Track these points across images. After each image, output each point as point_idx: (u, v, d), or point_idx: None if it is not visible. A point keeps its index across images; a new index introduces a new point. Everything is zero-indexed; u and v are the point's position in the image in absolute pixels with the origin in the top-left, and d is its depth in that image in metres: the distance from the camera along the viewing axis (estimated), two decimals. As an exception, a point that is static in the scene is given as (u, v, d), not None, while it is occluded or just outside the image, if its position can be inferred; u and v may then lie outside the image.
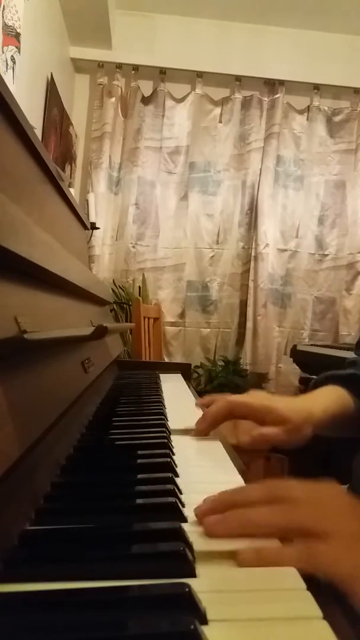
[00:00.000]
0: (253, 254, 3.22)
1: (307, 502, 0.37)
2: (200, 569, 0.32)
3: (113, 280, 3.11)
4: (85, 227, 1.27)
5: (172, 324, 3.23)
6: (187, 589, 0.28)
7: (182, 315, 3.24)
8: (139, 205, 3.19)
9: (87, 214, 2.81)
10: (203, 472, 0.53)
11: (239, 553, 0.33)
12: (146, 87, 3.24)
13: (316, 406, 0.70)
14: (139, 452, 0.54)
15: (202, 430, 0.67)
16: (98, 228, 2.99)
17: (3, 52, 1.92)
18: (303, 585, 0.31)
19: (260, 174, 3.22)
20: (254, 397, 0.70)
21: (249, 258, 3.25)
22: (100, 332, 0.55)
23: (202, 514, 0.38)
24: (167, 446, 0.58)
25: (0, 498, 0.34)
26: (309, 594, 0.29)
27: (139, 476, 0.48)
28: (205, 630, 0.26)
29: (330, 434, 0.74)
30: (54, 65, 2.71)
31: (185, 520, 0.39)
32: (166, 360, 3.07)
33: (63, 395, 0.55)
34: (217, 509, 0.38)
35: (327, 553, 0.33)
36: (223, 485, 0.47)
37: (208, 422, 0.67)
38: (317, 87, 3.24)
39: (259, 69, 3.20)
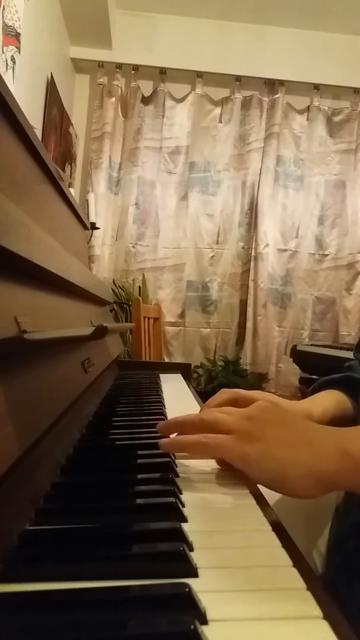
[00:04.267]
0: (253, 254, 3.22)
1: (235, 413, 0.49)
2: (200, 569, 0.32)
3: (113, 280, 3.11)
4: (85, 227, 1.27)
5: (172, 324, 3.23)
6: (187, 589, 0.28)
7: (182, 315, 3.24)
8: (139, 205, 3.19)
9: (87, 214, 2.81)
10: (203, 471, 0.53)
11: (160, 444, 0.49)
12: (146, 87, 3.24)
13: (315, 408, 0.71)
14: (139, 452, 0.54)
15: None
16: (98, 228, 2.99)
17: (3, 52, 1.92)
18: (303, 585, 0.31)
19: (260, 174, 3.23)
20: (259, 393, 0.71)
21: (249, 258, 3.25)
22: (100, 332, 0.54)
23: (160, 428, 0.54)
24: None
25: (0, 498, 0.34)
26: (309, 594, 0.29)
27: (139, 476, 0.48)
28: (205, 630, 0.26)
29: None
30: (54, 65, 2.71)
31: (185, 520, 0.39)
32: (166, 360, 3.07)
33: (63, 395, 0.55)
34: (171, 425, 0.54)
35: (226, 440, 0.46)
36: (223, 483, 0.47)
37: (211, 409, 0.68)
38: (317, 87, 3.25)
39: (259, 69, 3.21)
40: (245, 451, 0.44)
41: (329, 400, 0.75)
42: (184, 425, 0.52)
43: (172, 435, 0.54)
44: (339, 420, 0.73)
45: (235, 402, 0.68)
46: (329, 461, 0.43)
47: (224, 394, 0.69)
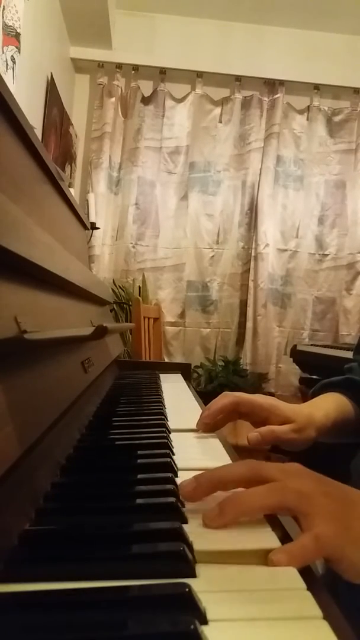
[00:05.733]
0: (253, 254, 3.22)
1: (289, 479, 0.40)
2: (200, 569, 0.32)
3: (113, 280, 3.11)
4: (85, 227, 1.27)
5: (172, 324, 3.23)
6: (187, 589, 0.28)
7: (182, 315, 3.24)
8: (139, 205, 3.19)
9: (87, 214, 2.81)
10: (203, 470, 0.53)
11: (273, 558, 0.34)
12: (146, 87, 3.24)
13: (317, 411, 0.71)
14: (139, 452, 0.54)
15: (206, 417, 0.68)
16: (98, 228, 2.99)
17: (3, 52, 1.92)
18: (303, 585, 0.30)
19: (260, 174, 3.23)
20: (260, 397, 0.71)
21: (249, 258, 3.25)
22: (100, 332, 0.54)
23: (189, 493, 0.41)
24: (167, 446, 0.58)
25: (0, 498, 0.34)
26: (309, 594, 0.29)
27: (139, 476, 0.48)
28: (205, 630, 0.26)
29: (331, 439, 0.74)
30: (54, 65, 2.71)
31: (185, 520, 0.39)
32: (166, 360, 3.07)
33: (63, 395, 0.55)
34: (203, 486, 0.41)
35: (327, 536, 0.36)
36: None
37: (213, 413, 0.67)
38: (317, 87, 3.25)
39: (259, 69, 3.21)
40: (347, 543, 0.36)
41: (330, 403, 0.75)
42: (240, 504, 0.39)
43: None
44: (340, 424, 0.73)
45: (237, 406, 0.68)
46: None
47: (226, 397, 0.68)
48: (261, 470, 0.41)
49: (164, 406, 0.86)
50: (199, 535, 0.36)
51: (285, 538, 0.37)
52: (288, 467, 0.42)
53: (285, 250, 3.28)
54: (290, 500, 0.38)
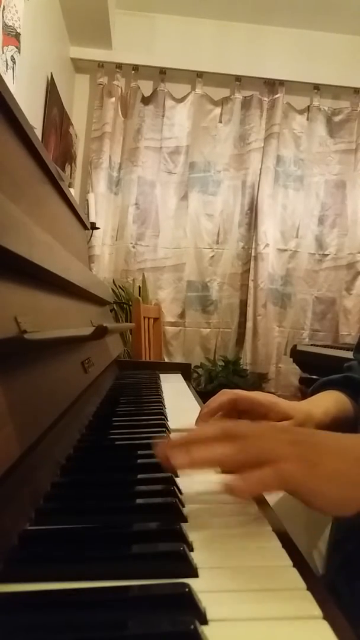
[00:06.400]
0: (253, 254, 3.22)
1: (256, 437, 0.43)
2: (200, 569, 0.32)
3: (113, 280, 3.11)
4: (85, 227, 1.27)
5: (172, 324, 3.23)
6: (187, 589, 0.28)
7: (182, 315, 3.24)
8: (139, 205, 3.19)
9: (87, 214, 2.81)
10: (203, 471, 0.53)
11: (229, 485, 0.38)
12: (146, 87, 3.24)
13: (317, 408, 0.71)
14: (139, 452, 0.54)
15: (205, 414, 0.68)
16: (98, 228, 2.99)
17: (3, 52, 1.92)
18: (303, 585, 0.31)
19: (260, 174, 3.23)
20: (259, 394, 0.71)
21: (249, 258, 3.25)
22: (100, 332, 0.54)
23: (163, 448, 0.42)
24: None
25: (0, 498, 0.34)
26: (309, 594, 0.29)
27: (139, 476, 0.48)
28: (205, 630, 0.26)
29: None
30: (54, 65, 2.71)
31: (185, 520, 0.39)
32: (166, 360, 3.07)
33: (63, 395, 0.55)
34: (176, 445, 0.42)
35: (290, 470, 0.39)
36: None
37: (211, 411, 0.68)
38: (317, 87, 3.25)
39: (259, 69, 3.21)
40: (309, 479, 0.39)
41: (329, 401, 0.75)
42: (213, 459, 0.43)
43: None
44: (339, 421, 0.73)
45: (236, 403, 0.68)
46: None
47: (224, 395, 0.68)
48: (231, 429, 0.43)
49: (164, 406, 0.86)
50: (199, 535, 0.36)
51: (285, 539, 0.37)
52: (255, 424, 0.46)
53: (285, 250, 3.28)
54: (254, 451, 0.41)
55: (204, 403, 0.73)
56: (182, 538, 0.35)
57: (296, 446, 0.42)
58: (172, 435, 0.47)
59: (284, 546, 0.35)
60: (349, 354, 0.93)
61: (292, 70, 3.20)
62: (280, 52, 3.23)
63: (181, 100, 3.24)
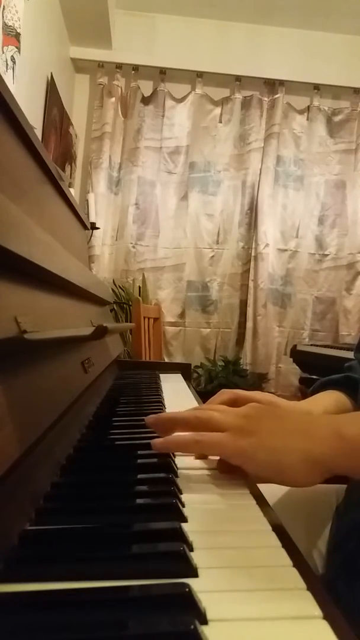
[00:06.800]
0: (253, 254, 3.22)
1: (220, 410, 0.51)
2: (200, 569, 0.32)
3: (113, 280, 3.11)
4: (85, 227, 1.27)
5: (172, 324, 3.23)
6: (187, 589, 0.28)
7: (182, 315, 3.24)
8: (139, 205, 3.19)
9: (87, 214, 2.81)
10: (203, 472, 0.53)
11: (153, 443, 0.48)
12: (146, 87, 3.24)
13: (316, 408, 0.71)
14: (139, 452, 0.54)
15: None
16: (98, 228, 2.99)
17: (3, 52, 1.92)
18: (303, 585, 0.30)
19: (260, 174, 3.23)
20: (258, 393, 0.71)
21: (249, 258, 3.25)
22: (100, 332, 0.55)
23: (152, 421, 0.52)
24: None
25: (0, 498, 0.34)
26: (309, 594, 0.29)
27: (139, 476, 0.48)
28: (205, 630, 0.26)
29: None
30: (54, 65, 2.71)
31: (185, 520, 0.39)
32: (166, 360, 3.07)
33: (63, 395, 0.55)
34: (159, 421, 0.53)
35: (226, 440, 0.46)
36: (223, 484, 0.47)
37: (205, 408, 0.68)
38: (317, 87, 3.25)
39: (259, 69, 3.21)
40: (240, 446, 0.45)
41: (329, 400, 0.75)
42: (177, 422, 0.52)
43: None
44: None
45: (235, 403, 0.68)
46: (323, 445, 0.44)
47: (224, 394, 0.69)
48: (211, 420, 0.49)
49: (164, 406, 0.86)
50: (199, 535, 0.36)
51: (285, 539, 0.37)
52: (227, 409, 0.52)
53: (285, 250, 3.28)
54: (205, 418, 0.49)
55: (204, 403, 0.73)
56: (182, 538, 0.34)
57: (242, 419, 0.47)
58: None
59: (284, 546, 0.35)
60: (349, 354, 0.93)
61: (292, 70, 3.20)
62: (280, 52, 3.23)
63: (181, 100, 3.25)
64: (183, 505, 0.41)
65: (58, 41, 2.85)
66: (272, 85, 3.26)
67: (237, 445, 0.45)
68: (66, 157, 3.03)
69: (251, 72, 3.22)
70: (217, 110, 3.27)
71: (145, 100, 3.22)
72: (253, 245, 3.23)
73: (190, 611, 0.27)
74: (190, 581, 0.29)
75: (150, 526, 0.37)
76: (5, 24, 1.91)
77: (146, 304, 2.73)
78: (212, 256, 3.25)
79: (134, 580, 0.30)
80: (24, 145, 0.67)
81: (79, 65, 3.25)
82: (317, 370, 2.25)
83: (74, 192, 3.00)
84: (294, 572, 0.32)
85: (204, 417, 0.49)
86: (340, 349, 2.28)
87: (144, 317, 2.40)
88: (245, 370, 3.17)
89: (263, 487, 0.46)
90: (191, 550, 0.34)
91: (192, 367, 1.59)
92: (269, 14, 3.12)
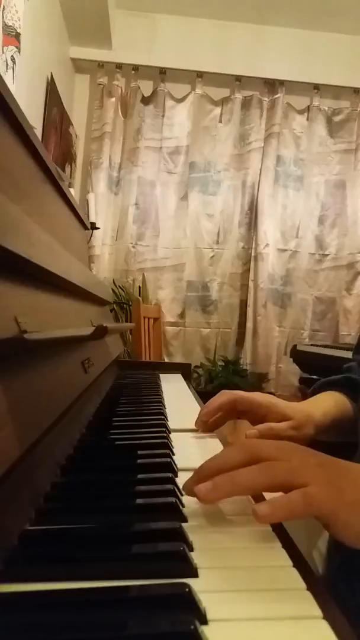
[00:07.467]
0: (253, 254, 3.22)
1: (283, 459, 0.41)
2: (200, 569, 0.32)
3: (113, 280, 3.11)
4: (85, 227, 1.27)
5: (172, 324, 3.23)
6: (187, 589, 0.28)
7: (182, 315, 3.24)
8: (139, 205, 3.19)
9: (87, 214, 2.81)
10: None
11: (254, 509, 0.36)
12: (146, 87, 3.24)
13: (316, 409, 0.71)
14: (139, 452, 0.54)
15: (204, 415, 0.68)
16: (98, 228, 2.99)
17: (3, 52, 1.92)
18: (303, 585, 0.31)
19: (260, 174, 3.23)
20: (258, 394, 0.71)
21: (249, 258, 3.25)
22: (100, 332, 0.55)
23: (191, 485, 0.40)
24: (167, 446, 0.58)
25: (0, 498, 0.34)
26: (309, 594, 0.29)
27: (139, 476, 0.48)
28: (205, 630, 0.26)
29: (330, 438, 0.74)
30: (54, 65, 2.71)
31: (185, 520, 0.39)
32: (166, 360, 3.07)
33: (63, 395, 0.55)
34: (204, 479, 0.40)
35: (318, 495, 0.37)
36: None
37: (211, 411, 0.68)
38: (317, 87, 3.25)
39: (259, 69, 3.21)
40: (340, 505, 0.38)
41: (328, 402, 0.75)
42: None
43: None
44: (339, 422, 0.73)
45: (235, 404, 0.68)
46: None
47: (224, 395, 0.69)
48: (258, 452, 0.41)
49: (164, 406, 0.86)
50: (199, 535, 0.36)
51: (285, 539, 0.37)
52: (282, 445, 0.43)
53: (285, 250, 3.28)
54: (282, 475, 0.39)
55: (204, 403, 0.73)
56: (182, 538, 0.34)
57: (323, 469, 0.41)
58: (196, 471, 0.42)
59: (284, 546, 0.35)
60: (349, 354, 0.93)
61: (292, 70, 3.20)
62: (280, 52, 3.23)
63: (181, 100, 3.24)
64: (183, 505, 0.41)
65: (58, 41, 2.85)
66: (272, 85, 3.26)
67: (333, 503, 0.38)
68: (66, 157, 3.03)
69: (251, 72, 3.22)
70: (217, 110, 3.27)
71: (145, 100, 3.22)
72: (253, 245, 3.23)
73: (190, 611, 0.27)
74: (190, 581, 0.29)
75: (150, 526, 0.37)
76: (5, 24, 1.90)
77: (146, 304, 2.73)
78: (212, 256, 3.25)
79: (134, 580, 0.30)
80: (24, 146, 0.67)
81: (79, 65, 3.25)
82: (317, 370, 2.25)
83: (74, 192, 3.00)
84: (294, 572, 0.32)
85: (281, 475, 0.40)
86: (340, 349, 2.28)
87: (144, 317, 2.40)
88: (245, 370, 3.17)
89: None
90: (191, 550, 0.34)
91: (192, 367, 1.59)
92: (269, 13, 3.12)
